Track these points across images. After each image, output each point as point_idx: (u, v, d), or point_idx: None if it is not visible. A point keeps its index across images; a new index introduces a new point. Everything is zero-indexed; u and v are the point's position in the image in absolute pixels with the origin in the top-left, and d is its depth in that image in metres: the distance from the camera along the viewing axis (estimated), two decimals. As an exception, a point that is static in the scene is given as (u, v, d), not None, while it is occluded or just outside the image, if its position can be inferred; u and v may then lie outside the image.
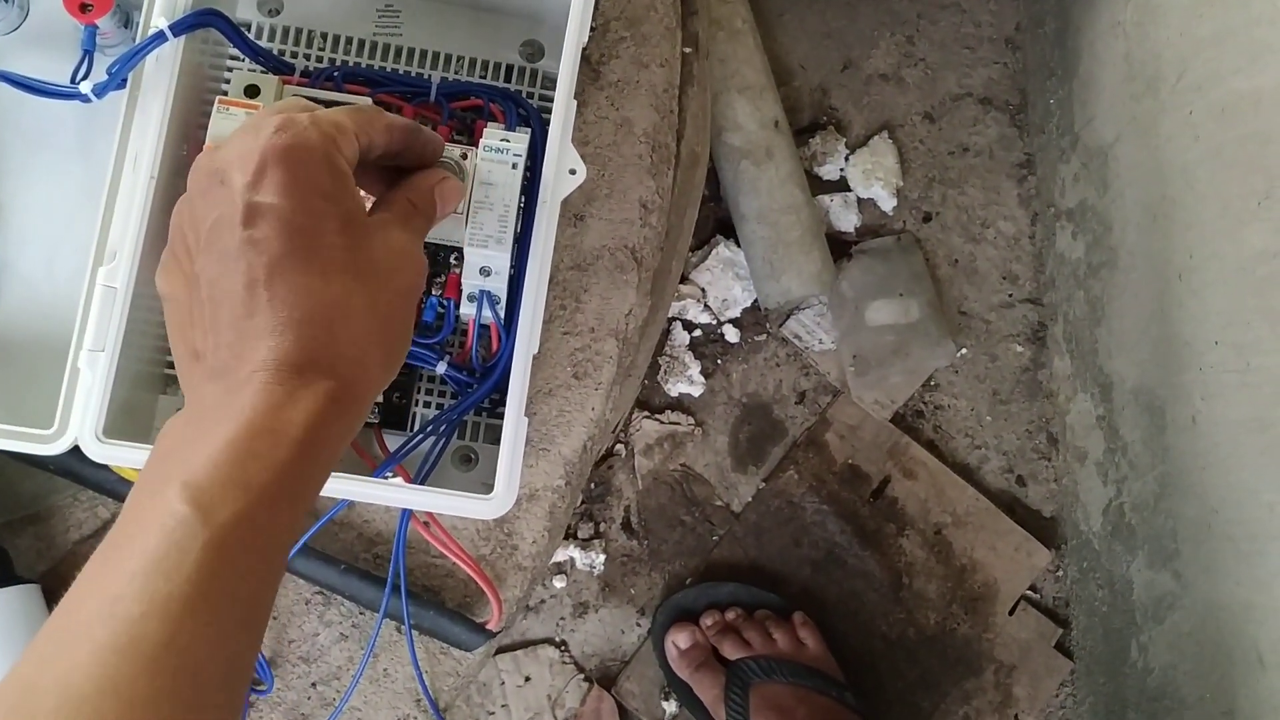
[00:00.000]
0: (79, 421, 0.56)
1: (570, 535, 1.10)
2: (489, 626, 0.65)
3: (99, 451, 0.55)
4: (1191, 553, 0.89)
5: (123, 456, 0.56)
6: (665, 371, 1.11)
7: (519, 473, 0.56)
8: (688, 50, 0.75)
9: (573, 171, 0.60)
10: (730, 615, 1.06)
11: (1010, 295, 1.13)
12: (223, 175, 0.40)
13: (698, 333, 1.12)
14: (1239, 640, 0.83)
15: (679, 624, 1.06)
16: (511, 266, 0.59)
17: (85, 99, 0.58)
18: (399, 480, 0.59)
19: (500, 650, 1.10)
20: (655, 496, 1.11)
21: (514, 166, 0.58)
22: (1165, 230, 0.89)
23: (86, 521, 0.67)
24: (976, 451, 1.12)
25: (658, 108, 0.71)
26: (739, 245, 1.10)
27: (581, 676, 1.10)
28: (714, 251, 1.10)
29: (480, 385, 0.62)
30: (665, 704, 1.10)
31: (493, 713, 1.09)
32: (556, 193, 0.59)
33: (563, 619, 1.10)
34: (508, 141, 0.59)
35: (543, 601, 1.10)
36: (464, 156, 0.57)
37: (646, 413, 1.11)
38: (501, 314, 0.61)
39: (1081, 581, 1.07)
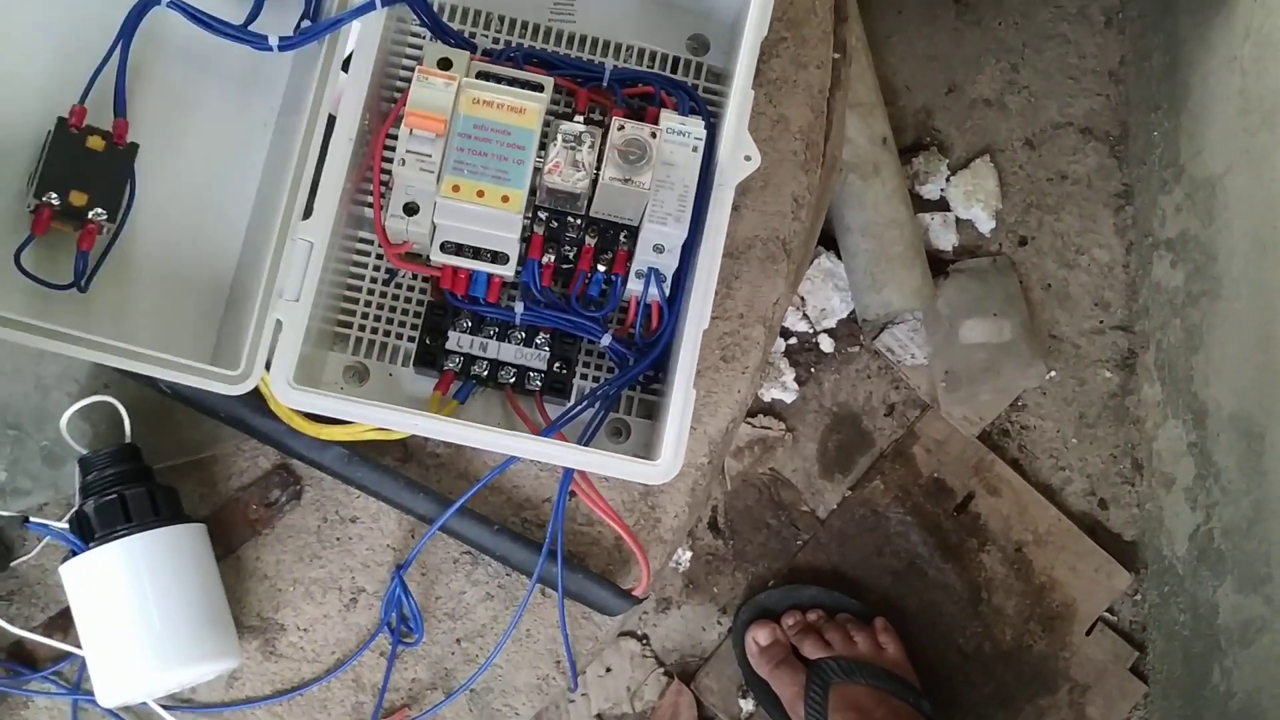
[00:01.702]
0: (262, 367, 0.58)
1: (658, 531, 1.12)
2: (636, 592, 0.67)
3: (292, 398, 0.58)
4: (1286, 579, 0.91)
5: (309, 402, 0.59)
6: (760, 377, 1.13)
7: (685, 442, 0.59)
8: (837, 56, 0.78)
9: (748, 158, 0.62)
10: (812, 616, 1.08)
11: (1101, 321, 1.15)
12: None
13: (794, 340, 1.15)
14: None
15: (760, 622, 1.07)
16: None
17: (267, 49, 0.61)
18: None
19: (583, 640, 1.12)
20: (743, 498, 1.14)
21: (694, 150, 0.61)
22: (1276, 260, 0.91)
23: (248, 470, 0.69)
24: (1060, 473, 1.14)
25: (813, 107, 0.73)
26: (840, 257, 1.13)
27: (661, 671, 1.12)
28: (815, 261, 1.13)
29: (641, 360, 0.64)
30: (743, 702, 1.11)
31: (573, 700, 1.11)
32: (732, 176, 0.61)
33: (645, 613, 1.13)
34: (686, 126, 0.62)
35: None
36: (653, 135, 0.59)
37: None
38: (667, 291, 0.64)
39: (1162, 606, 1.09)
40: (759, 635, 1.07)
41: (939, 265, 1.14)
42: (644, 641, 1.12)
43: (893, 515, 1.13)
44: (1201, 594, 1.02)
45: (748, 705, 1.11)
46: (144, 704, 0.66)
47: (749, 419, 1.14)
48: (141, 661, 0.61)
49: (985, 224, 1.15)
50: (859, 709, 1.01)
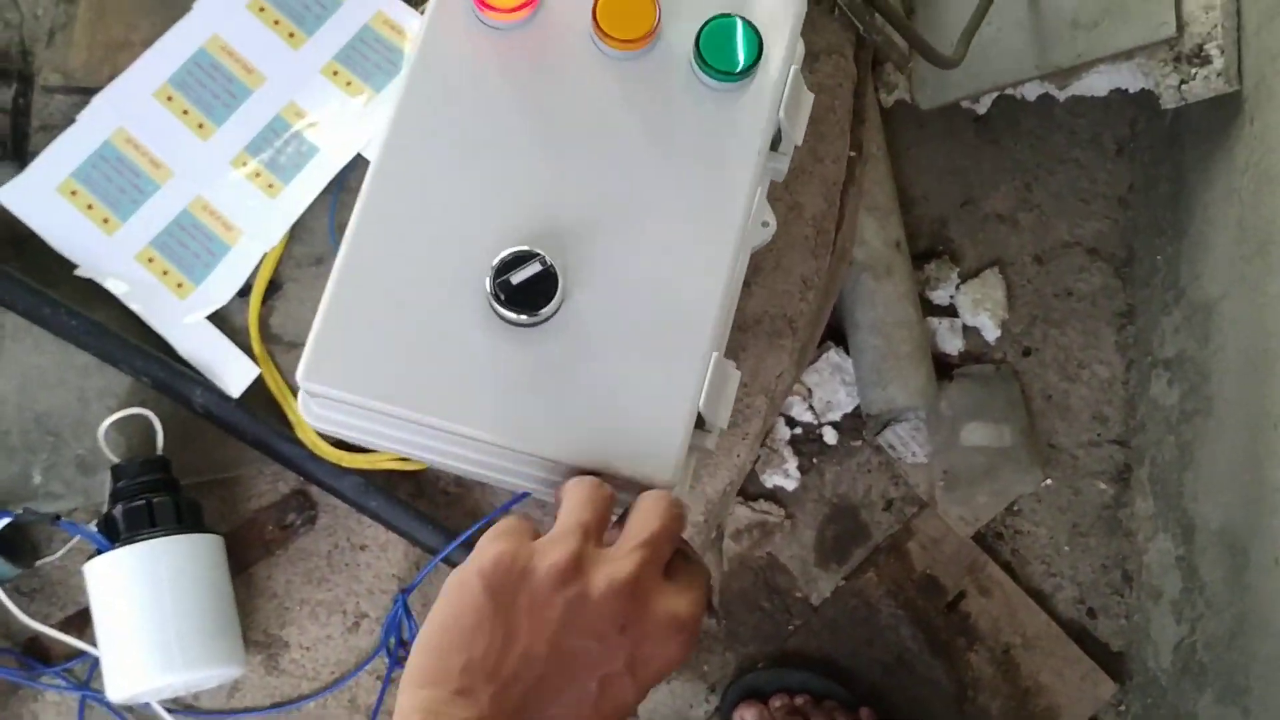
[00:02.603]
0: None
1: (654, 605, 1.15)
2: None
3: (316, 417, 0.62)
4: (1263, 689, 0.92)
5: (335, 420, 0.63)
6: (763, 462, 1.17)
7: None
8: (853, 154, 0.83)
9: (765, 224, 0.67)
10: (799, 700, 1.10)
11: (1099, 435, 1.19)
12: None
13: (798, 430, 1.18)
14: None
15: (749, 702, 1.09)
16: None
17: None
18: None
19: (572, 707, 1.14)
20: (739, 579, 1.16)
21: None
22: (1265, 381, 0.94)
23: (267, 493, 0.73)
24: (1051, 579, 1.16)
25: (826, 197, 0.79)
26: (848, 353, 1.17)
27: (647, 744, 1.14)
28: (824, 356, 1.17)
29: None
30: (726, 781, 1.13)
31: (557, 767, 1.12)
32: (750, 241, 0.66)
33: (636, 685, 1.14)
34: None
35: (619, 666, 1.15)
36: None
37: (740, 499, 1.17)
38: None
39: (1145, 717, 1.10)
40: (746, 715, 1.09)
41: (944, 368, 1.18)
42: (633, 716, 1.14)
43: (884, 608, 1.16)
44: (1183, 706, 1.04)
45: (730, 784, 1.12)
46: (147, 705, 0.69)
47: (750, 502, 1.17)
48: (152, 660, 0.64)
49: (991, 332, 1.20)
50: (841, 795, 1.03)
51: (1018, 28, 1.12)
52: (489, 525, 0.67)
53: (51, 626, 0.69)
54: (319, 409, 0.62)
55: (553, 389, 0.58)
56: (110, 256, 0.74)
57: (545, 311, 0.57)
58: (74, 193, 0.75)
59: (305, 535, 0.73)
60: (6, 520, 0.67)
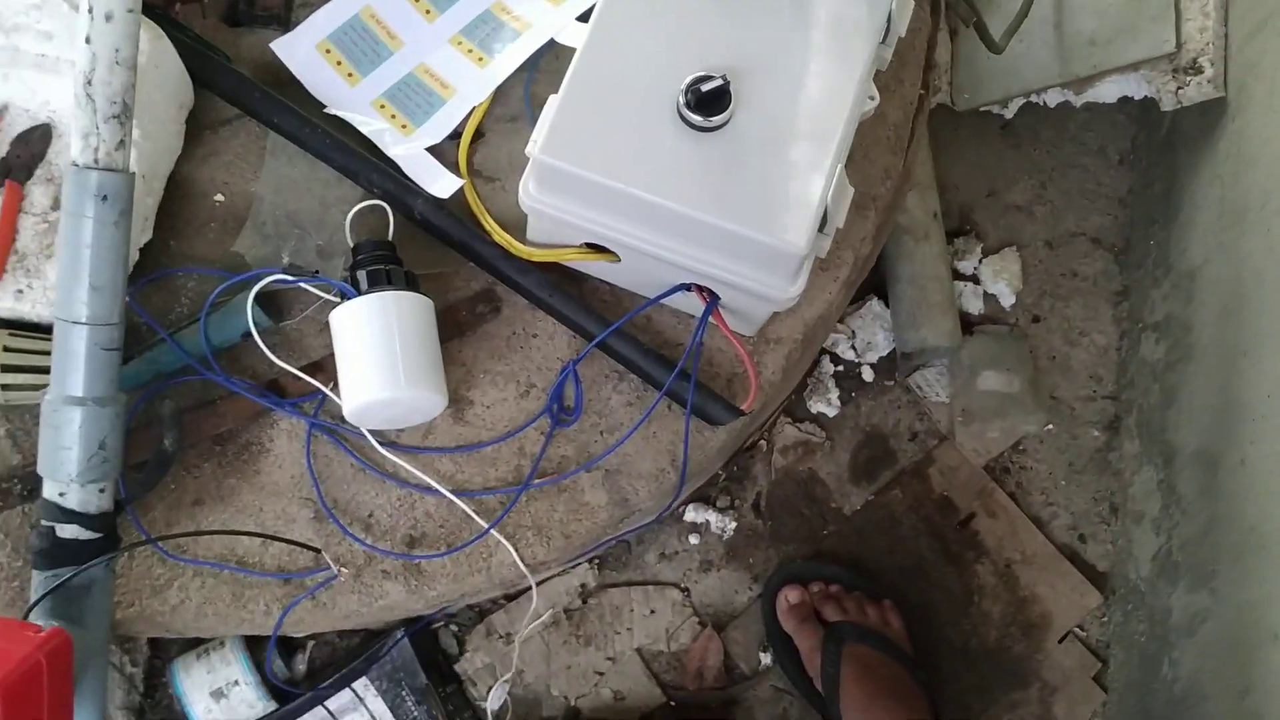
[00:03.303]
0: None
1: (709, 502, 1.34)
2: (744, 408, 0.90)
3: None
4: (1228, 570, 1.12)
5: (551, 203, 0.83)
6: (810, 390, 1.37)
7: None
8: (922, 92, 1.05)
9: (872, 98, 0.89)
10: (833, 588, 1.28)
11: (1094, 391, 1.39)
12: None
13: (840, 367, 1.39)
14: (1259, 628, 1.05)
15: (792, 584, 1.27)
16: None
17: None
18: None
19: (633, 584, 1.32)
20: (783, 488, 1.35)
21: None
22: (1237, 321, 1.16)
23: (463, 288, 0.93)
24: (1049, 508, 1.36)
25: (904, 111, 1.00)
26: (887, 305, 1.38)
27: (696, 620, 1.31)
28: (867, 305, 1.38)
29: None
30: (762, 655, 1.30)
31: (619, 632, 1.30)
32: (861, 103, 0.86)
33: (689, 570, 1.33)
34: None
35: (676, 553, 1.33)
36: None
37: (789, 419, 1.36)
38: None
39: (1124, 624, 1.29)
40: (790, 594, 1.27)
41: (966, 325, 1.39)
42: (685, 593, 1.32)
43: (906, 521, 1.35)
44: (1158, 603, 1.23)
45: (766, 659, 1.30)
46: (361, 436, 0.87)
47: (797, 423, 1.37)
48: (382, 378, 0.83)
49: (1007, 299, 1.41)
50: (866, 665, 1.20)
51: (1044, 45, 1.36)
52: (637, 315, 0.87)
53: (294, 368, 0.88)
54: (536, 190, 0.82)
55: (722, 177, 0.79)
56: (352, 101, 0.95)
57: (720, 119, 0.78)
58: (328, 51, 0.96)
59: (490, 322, 0.92)
60: (274, 275, 0.86)
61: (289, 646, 1.26)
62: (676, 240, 0.81)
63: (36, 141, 0.88)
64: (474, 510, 0.87)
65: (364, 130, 0.93)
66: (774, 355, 0.93)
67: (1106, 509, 1.36)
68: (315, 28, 0.96)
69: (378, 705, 1.25)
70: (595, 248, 0.87)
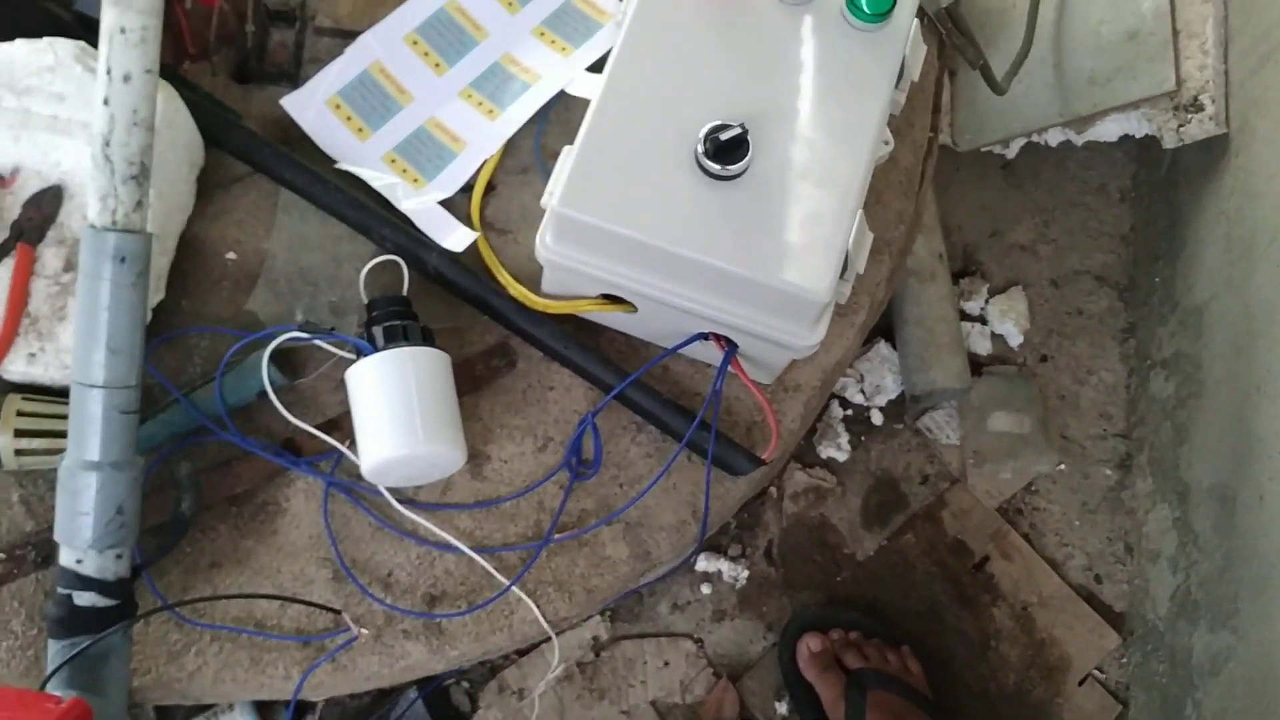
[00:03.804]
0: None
1: (721, 551, 1.33)
2: (765, 457, 0.89)
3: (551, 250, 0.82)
4: (1250, 608, 1.11)
5: (566, 254, 0.83)
6: (820, 435, 1.36)
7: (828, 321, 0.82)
8: (931, 135, 1.05)
9: (886, 142, 0.89)
10: (852, 635, 1.27)
11: (1104, 429, 1.39)
12: None
13: (850, 411, 1.38)
14: (1285, 666, 1.04)
15: (813, 631, 1.26)
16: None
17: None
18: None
19: (646, 635, 1.30)
20: (795, 535, 1.34)
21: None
22: (1249, 356, 1.16)
23: (476, 343, 0.92)
24: (1063, 549, 1.35)
25: (915, 154, 1.01)
26: (895, 348, 1.38)
27: (711, 671, 1.30)
28: (875, 348, 1.38)
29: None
30: (778, 704, 1.28)
31: (633, 685, 1.28)
32: (877, 148, 0.86)
33: (703, 620, 1.31)
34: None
35: (689, 603, 1.31)
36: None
37: (799, 465, 1.36)
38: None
39: (1143, 665, 1.28)
40: (812, 642, 1.25)
41: (974, 367, 1.39)
42: (699, 644, 1.30)
43: (920, 566, 1.34)
44: (1179, 644, 1.21)
45: (782, 708, 1.28)
46: (379, 493, 0.86)
47: (808, 469, 1.36)
48: (399, 435, 0.82)
49: (1015, 339, 1.41)
50: (891, 712, 1.19)
51: (1044, 85, 1.36)
52: (655, 365, 0.87)
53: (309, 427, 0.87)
54: (554, 242, 0.82)
55: (741, 225, 0.78)
56: (363, 156, 0.95)
57: (738, 167, 0.78)
58: (338, 106, 0.95)
59: (506, 376, 0.91)
60: (290, 333, 0.86)
61: (300, 707, 1.24)
62: (696, 290, 0.81)
63: (48, 203, 0.87)
64: (494, 567, 0.86)
65: (375, 185, 0.92)
66: (793, 403, 0.92)
67: (1121, 548, 1.35)
68: (325, 83, 0.96)
69: (392, 764, 1.23)
70: (612, 298, 0.86)
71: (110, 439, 0.76)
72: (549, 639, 0.89)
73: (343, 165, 0.94)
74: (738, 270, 0.77)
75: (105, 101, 0.73)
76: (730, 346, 0.86)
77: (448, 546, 0.86)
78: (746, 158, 0.78)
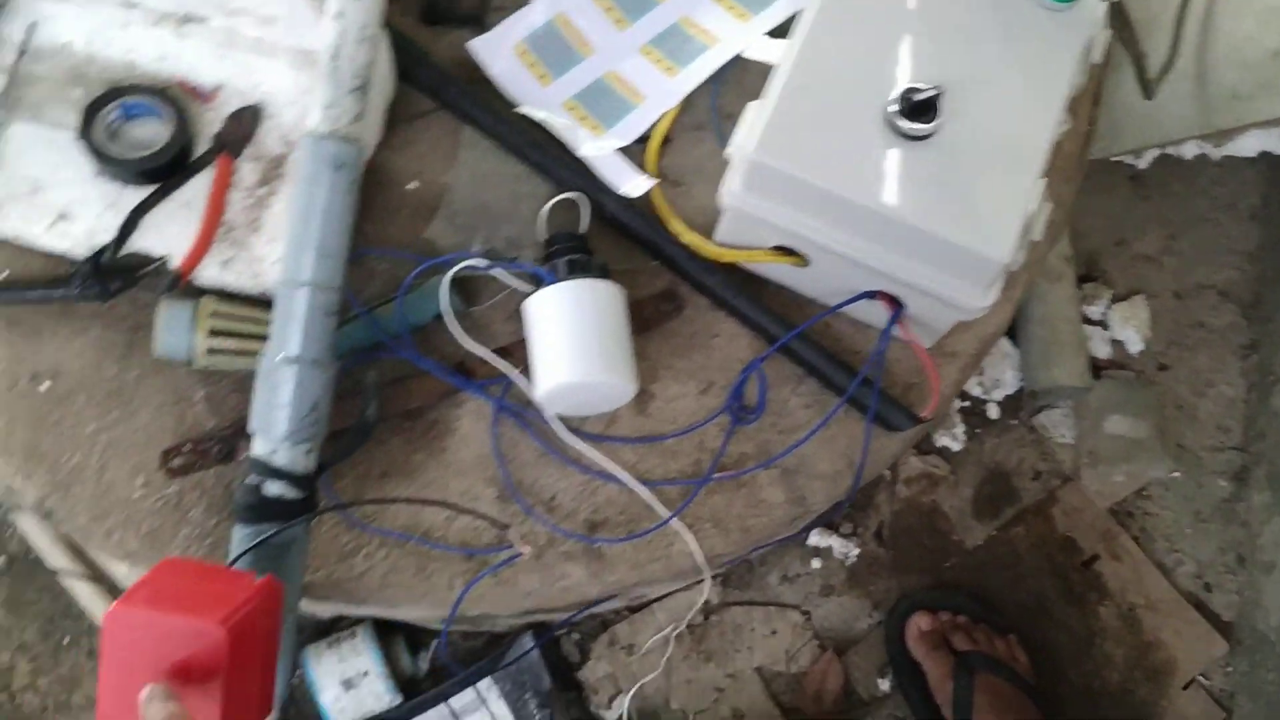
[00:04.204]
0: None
1: (833, 528, 1.35)
2: (924, 415, 0.91)
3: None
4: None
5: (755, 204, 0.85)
6: (936, 424, 1.38)
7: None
8: (1089, 127, 1.07)
9: (1065, 121, 0.90)
10: (961, 618, 1.28)
11: (1221, 441, 1.40)
12: None
13: (967, 402, 1.40)
14: None
15: (924, 611, 1.28)
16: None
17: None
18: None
19: (755, 604, 1.33)
20: (906, 518, 1.36)
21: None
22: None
23: (646, 287, 0.94)
24: (1173, 555, 1.36)
25: (1076, 143, 1.02)
26: (1016, 345, 1.40)
27: (817, 643, 1.32)
28: (996, 343, 1.39)
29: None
30: (880, 681, 1.30)
31: (740, 651, 1.30)
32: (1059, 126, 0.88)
33: (811, 593, 1.33)
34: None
35: (798, 575, 1.34)
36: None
37: (914, 451, 1.37)
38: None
39: (1250, 674, 1.28)
40: (923, 621, 1.27)
41: (1094, 370, 1.40)
42: (806, 616, 1.32)
43: (1028, 559, 1.35)
44: (1290, 653, 1.22)
45: (884, 685, 1.30)
46: (546, 421, 0.89)
47: (923, 455, 1.37)
48: (576, 361, 0.84)
49: (1135, 346, 1.42)
50: (999, 696, 1.20)
51: (1185, 97, 1.38)
52: (819, 321, 0.89)
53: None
54: (742, 190, 0.85)
55: (929, 184, 0.81)
56: (544, 101, 0.98)
57: (930, 127, 0.81)
58: (523, 53, 0.99)
59: (673, 320, 0.94)
60: (474, 259, 0.89)
61: (414, 643, 1.28)
62: (876, 245, 0.83)
63: (248, 120, 0.91)
64: (656, 500, 0.88)
65: (556, 128, 0.96)
66: (949, 368, 0.94)
67: (1233, 559, 1.35)
68: (512, 30, 1.00)
69: (500, 707, 1.26)
70: (784, 251, 0.89)
71: (312, 337, 0.80)
72: (700, 580, 0.91)
73: (523, 109, 0.97)
74: (924, 226, 0.80)
75: (338, 15, 0.77)
76: (897, 306, 0.89)
77: (610, 476, 0.89)
78: (938, 119, 0.80)
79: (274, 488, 0.80)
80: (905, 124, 0.80)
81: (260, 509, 0.80)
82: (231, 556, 0.80)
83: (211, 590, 0.71)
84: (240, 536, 0.81)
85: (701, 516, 0.90)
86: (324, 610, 1.00)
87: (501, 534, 0.87)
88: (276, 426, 0.80)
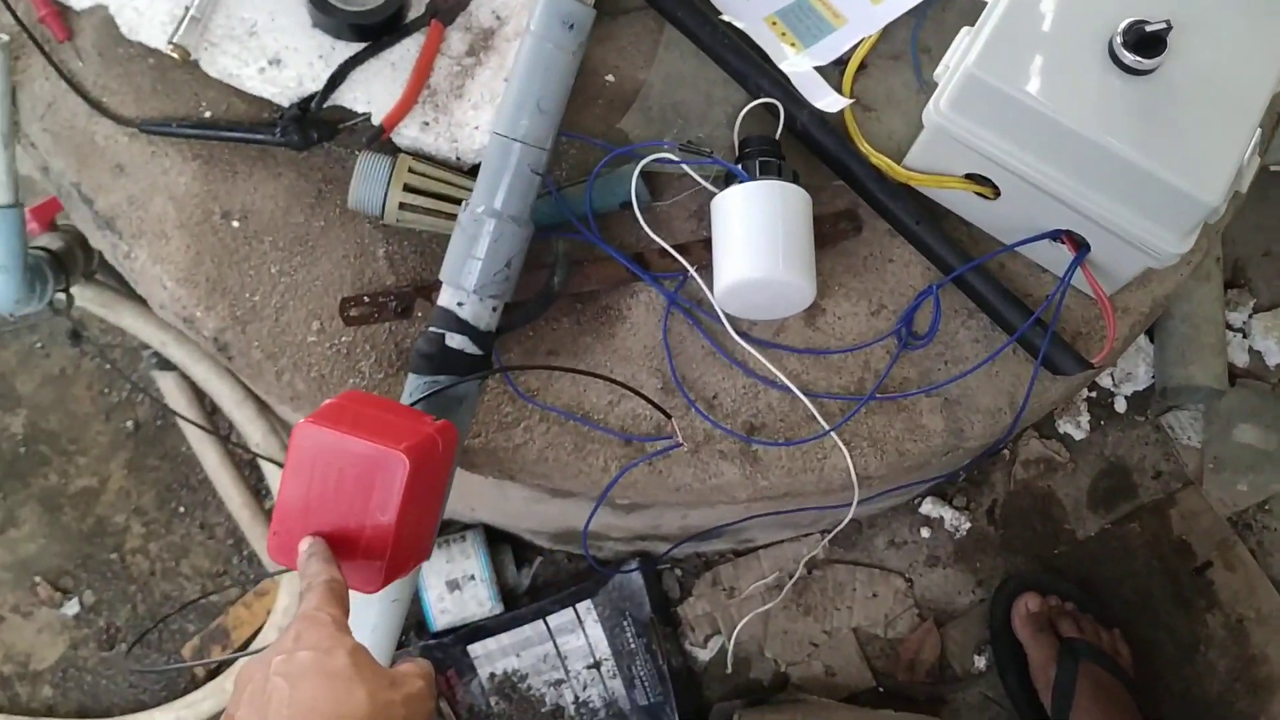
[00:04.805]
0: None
1: (947, 499, 1.34)
2: (1095, 361, 0.90)
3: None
4: None
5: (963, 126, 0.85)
6: (1061, 410, 1.37)
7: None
8: None
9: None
10: (1068, 605, 1.27)
11: (1354, 467, 1.37)
12: None
13: (1094, 393, 1.38)
14: None
15: (1033, 592, 1.26)
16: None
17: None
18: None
19: (860, 564, 1.32)
20: (1020, 500, 1.35)
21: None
22: None
23: (828, 205, 0.94)
24: (1289, 573, 1.34)
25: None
26: (1152, 341, 1.38)
27: (916, 612, 1.31)
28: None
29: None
30: (976, 658, 1.29)
31: (839, 609, 1.30)
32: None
33: (916, 561, 1.32)
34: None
35: (906, 542, 1.33)
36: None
37: (1036, 434, 1.36)
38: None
39: (1358, 699, 1.26)
40: (1031, 602, 1.25)
41: (1230, 376, 1.38)
42: (909, 584, 1.31)
43: (1140, 556, 1.33)
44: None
45: (980, 662, 1.29)
46: (717, 321, 0.89)
47: (1044, 439, 1.36)
48: (762, 258, 0.84)
49: (1274, 358, 1.40)
50: (1101, 685, 1.18)
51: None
52: (995, 258, 0.88)
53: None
54: (949, 108, 0.84)
55: (1145, 119, 0.80)
56: (747, 12, 0.98)
57: (1153, 62, 0.80)
58: (731, -38, 0.99)
59: (850, 240, 0.94)
60: (669, 150, 0.89)
61: (518, 558, 1.28)
62: (1078, 180, 0.83)
63: (462, -8, 0.92)
64: (817, 411, 0.88)
65: (758, 39, 0.96)
66: (1121, 323, 0.93)
67: (1351, 583, 1.33)
68: (723, -60, 1.00)
69: (595, 631, 1.26)
70: (977, 179, 0.88)
71: (516, 193, 0.80)
72: (849, 505, 0.91)
73: (727, 17, 0.97)
74: (1136, 159, 0.79)
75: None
76: (1083, 249, 0.88)
77: (774, 383, 0.89)
78: (1163, 54, 0.80)
79: (456, 340, 0.81)
80: (1130, 56, 0.80)
81: (440, 359, 0.81)
82: (406, 403, 0.81)
83: (395, 423, 0.72)
84: (415, 384, 0.81)
85: (859, 434, 0.89)
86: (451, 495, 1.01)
87: (662, 422, 0.87)
88: (468, 278, 0.80)
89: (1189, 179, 0.79)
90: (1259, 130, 0.81)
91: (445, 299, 0.82)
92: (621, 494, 0.88)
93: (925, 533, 1.33)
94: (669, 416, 0.87)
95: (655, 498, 0.89)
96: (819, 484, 0.89)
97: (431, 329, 0.82)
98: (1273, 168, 1.44)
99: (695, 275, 0.90)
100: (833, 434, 0.88)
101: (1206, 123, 0.80)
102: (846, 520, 0.93)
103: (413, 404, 0.81)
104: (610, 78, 0.97)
